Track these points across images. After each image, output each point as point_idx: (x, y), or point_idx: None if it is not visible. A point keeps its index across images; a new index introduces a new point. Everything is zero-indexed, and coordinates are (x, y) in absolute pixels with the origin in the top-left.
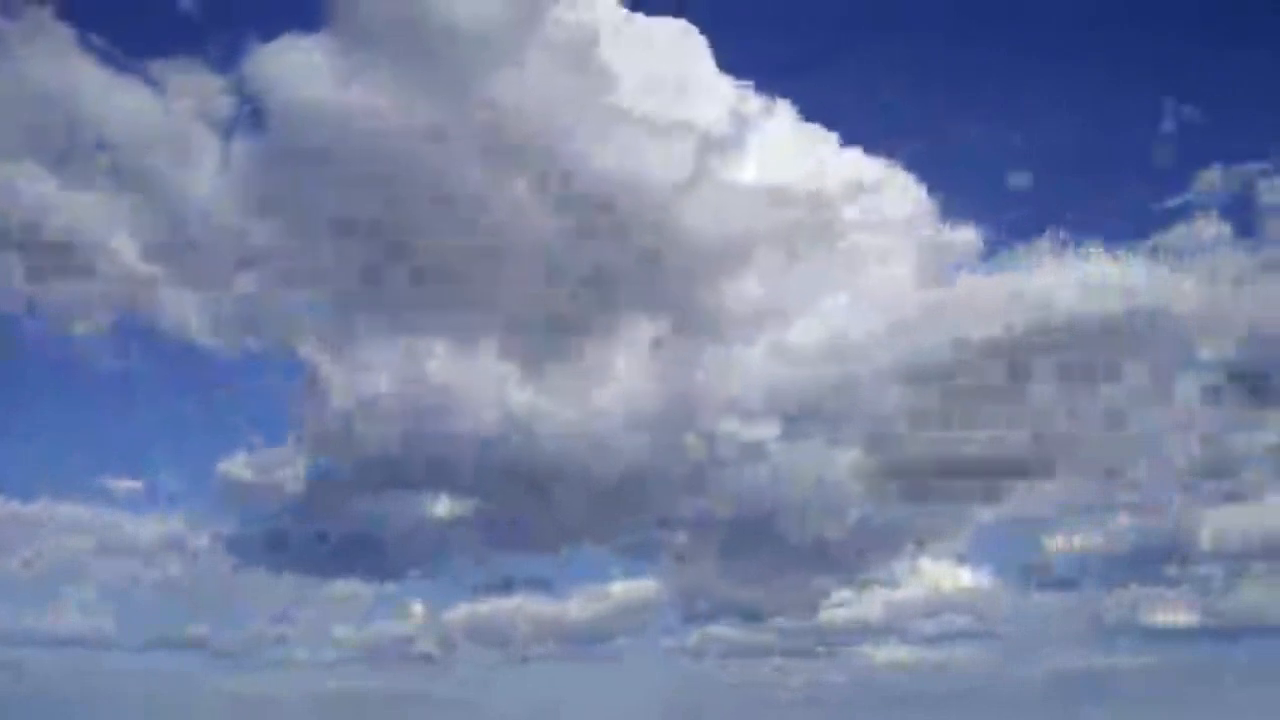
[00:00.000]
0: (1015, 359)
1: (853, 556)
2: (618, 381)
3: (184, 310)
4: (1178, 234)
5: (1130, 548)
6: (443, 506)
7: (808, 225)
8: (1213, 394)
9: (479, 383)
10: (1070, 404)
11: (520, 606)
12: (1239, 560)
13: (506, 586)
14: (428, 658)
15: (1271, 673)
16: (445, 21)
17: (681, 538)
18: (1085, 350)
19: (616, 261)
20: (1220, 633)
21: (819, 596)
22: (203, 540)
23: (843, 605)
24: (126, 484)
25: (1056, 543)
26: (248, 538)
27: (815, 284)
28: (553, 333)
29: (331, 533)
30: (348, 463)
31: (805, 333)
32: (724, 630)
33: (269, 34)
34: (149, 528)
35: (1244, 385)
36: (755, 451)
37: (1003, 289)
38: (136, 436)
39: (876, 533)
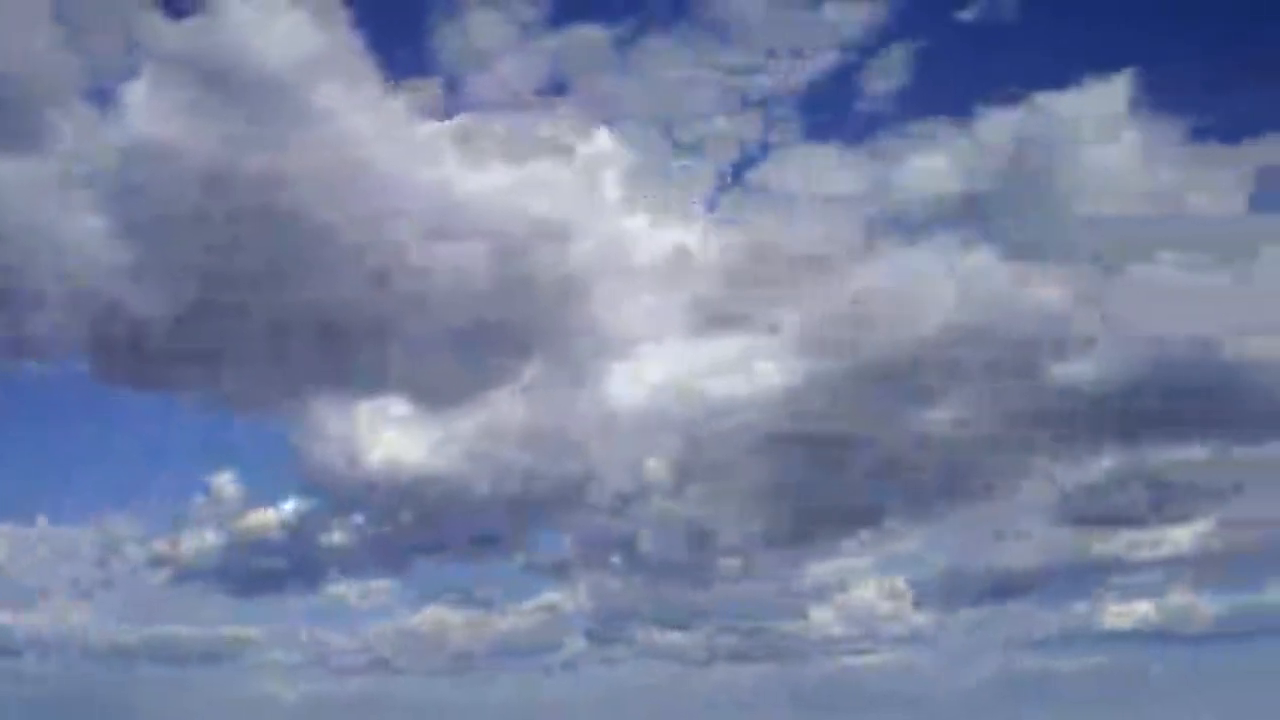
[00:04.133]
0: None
1: (761, 566)
2: (517, 409)
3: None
4: None
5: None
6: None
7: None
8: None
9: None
10: (983, 415)
11: (439, 618)
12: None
13: (428, 600)
14: (383, 665)
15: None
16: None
17: (594, 553)
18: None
19: (491, 297)
20: (1149, 637)
21: (720, 608)
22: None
23: (758, 615)
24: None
25: (970, 559)
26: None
27: (696, 312)
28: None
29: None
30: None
31: (691, 358)
32: (641, 638)
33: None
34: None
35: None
36: (655, 471)
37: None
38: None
39: (784, 545)
